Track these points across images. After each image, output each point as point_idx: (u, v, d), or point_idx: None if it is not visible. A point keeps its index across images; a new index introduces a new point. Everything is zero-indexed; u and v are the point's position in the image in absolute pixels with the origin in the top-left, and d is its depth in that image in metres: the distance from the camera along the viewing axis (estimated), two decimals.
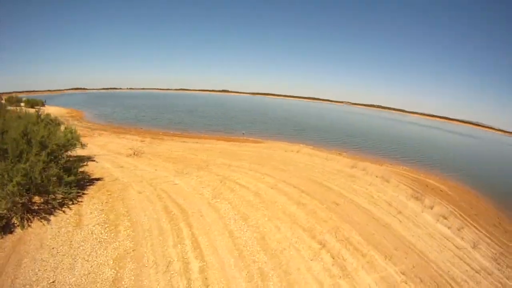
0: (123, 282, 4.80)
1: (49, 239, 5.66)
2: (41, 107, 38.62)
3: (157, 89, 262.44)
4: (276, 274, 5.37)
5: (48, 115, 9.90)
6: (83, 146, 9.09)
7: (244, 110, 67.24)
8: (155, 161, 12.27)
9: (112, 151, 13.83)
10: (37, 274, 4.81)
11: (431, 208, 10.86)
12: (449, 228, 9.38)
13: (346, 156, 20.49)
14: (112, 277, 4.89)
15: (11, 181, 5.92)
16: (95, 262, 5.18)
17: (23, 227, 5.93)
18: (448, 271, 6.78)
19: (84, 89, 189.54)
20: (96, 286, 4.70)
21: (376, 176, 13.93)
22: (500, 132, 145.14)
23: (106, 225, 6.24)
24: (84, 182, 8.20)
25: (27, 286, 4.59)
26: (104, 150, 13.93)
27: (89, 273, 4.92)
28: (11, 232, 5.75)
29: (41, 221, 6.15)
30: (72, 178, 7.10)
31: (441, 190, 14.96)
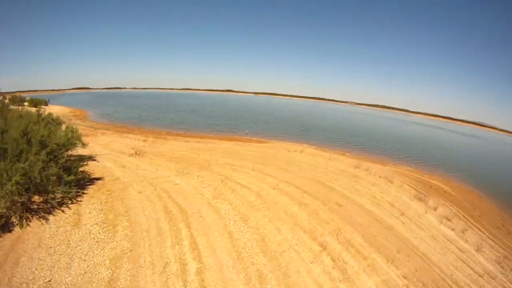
0: (118, 283, 4.75)
1: (47, 238, 5.64)
2: (44, 107, 38.96)
3: (161, 88, 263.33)
4: (274, 277, 5.28)
5: (50, 114, 9.89)
6: (84, 145, 9.11)
7: (249, 110, 67.12)
8: (157, 161, 12.25)
9: (115, 151, 13.84)
10: (34, 273, 4.80)
11: (435, 209, 10.68)
12: (452, 230, 9.21)
13: (349, 156, 20.32)
14: (108, 277, 4.85)
15: (10, 180, 5.93)
16: (91, 262, 5.14)
17: (22, 226, 5.92)
18: (451, 275, 6.63)
19: (88, 88, 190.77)
20: (91, 286, 4.67)
21: (380, 177, 13.77)
22: (503, 132, 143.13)
23: (104, 225, 6.21)
24: (84, 182, 8.20)
25: (24, 284, 4.58)
26: (106, 150, 13.95)
27: (85, 273, 4.89)
28: (10, 231, 5.76)
29: (40, 220, 6.14)
30: (71, 177, 7.09)
31: (444, 191, 14.73)
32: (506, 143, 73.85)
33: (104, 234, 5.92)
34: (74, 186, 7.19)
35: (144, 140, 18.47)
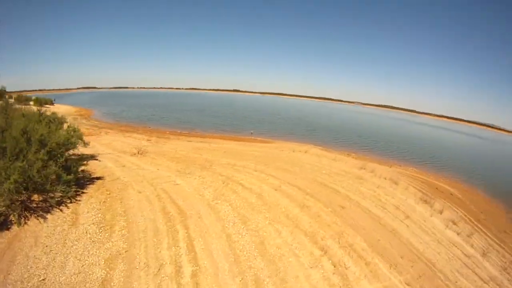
0: (112, 283, 4.69)
1: (43, 237, 5.61)
2: (50, 106, 39.40)
3: (169, 88, 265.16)
4: (272, 282, 5.14)
5: (54, 113, 9.91)
6: (85, 144, 9.09)
7: (256, 110, 67.06)
8: (159, 161, 12.20)
9: (117, 150, 13.85)
10: (29, 271, 4.78)
11: (441, 212, 10.41)
12: (458, 234, 8.95)
13: (355, 157, 20.08)
14: (102, 277, 4.79)
15: (9, 179, 5.91)
16: (86, 261, 5.09)
17: (19, 224, 5.90)
18: (456, 282, 6.40)
19: (94, 88, 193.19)
20: (85, 285, 4.62)
21: (385, 178, 13.51)
22: (509, 134, 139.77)
23: (101, 225, 6.15)
24: (84, 181, 8.17)
25: (19, 282, 4.57)
26: (108, 149, 13.97)
27: (80, 273, 4.83)
28: (8, 229, 5.74)
29: (38, 219, 6.12)
30: (71, 176, 7.05)
31: (451, 194, 14.42)
32: None
33: (100, 234, 5.85)
34: (74, 185, 7.16)
35: (147, 140, 18.51)
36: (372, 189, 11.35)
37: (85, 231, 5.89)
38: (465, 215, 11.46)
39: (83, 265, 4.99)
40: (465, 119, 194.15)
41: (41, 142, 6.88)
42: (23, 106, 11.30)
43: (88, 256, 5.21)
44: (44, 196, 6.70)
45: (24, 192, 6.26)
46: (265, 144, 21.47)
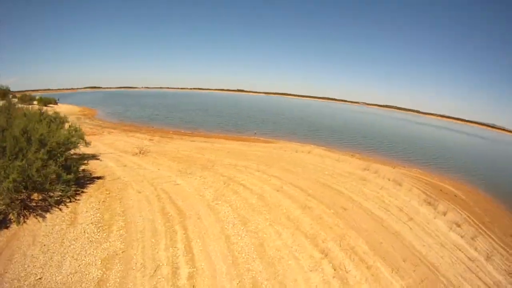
0: (108, 284, 4.64)
1: (41, 236, 5.60)
2: (54, 105, 39.65)
3: (174, 88, 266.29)
4: (270, 285, 5.04)
5: (55, 113, 9.91)
6: (87, 144, 9.08)
7: (260, 109, 66.87)
8: (160, 160, 12.18)
9: (119, 150, 13.85)
10: (26, 270, 4.77)
11: (444, 214, 10.23)
12: (462, 237, 8.77)
13: (358, 158, 19.88)
14: (98, 277, 4.74)
15: (8, 178, 5.91)
16: (83, 261, 5.06)
17: (18, 223, 5.90)
18: (459, 287, 6.24)
19: (99, 87, 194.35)
20: (81, 285, 4.58)
21: (388, 179, 13.35)
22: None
23: (99, 225, 6.12)
24: (84, 181, 8.16)
25: (15, 280, 4.55)
26: (110, 149, 13.98)
27: (76, 272, 4.80)
28: (7, 228, 5.74)
29: (37, 218, 6.11)
30: (70, 176, 7.03)
31: (455, 195, 14.18)
32: None
33: (98, 234, 5.82)
34: (73, 184, 7.15)
35: (150, 139, 18.52)
36: (376, 190, 11.20)
37: (83, 231, 5.86)
38: (469, 217, 11.26)
39: (79, 265, 4.96)
40: (467, 119, 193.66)
41: (41, 141, 6.87)
42: (25, 106, 11.34)
43: (85, 256, 5.18)
44: (43, 195, 6.70)
45: (23, 191, 6.27)
46: (268, 144, 21.36)
